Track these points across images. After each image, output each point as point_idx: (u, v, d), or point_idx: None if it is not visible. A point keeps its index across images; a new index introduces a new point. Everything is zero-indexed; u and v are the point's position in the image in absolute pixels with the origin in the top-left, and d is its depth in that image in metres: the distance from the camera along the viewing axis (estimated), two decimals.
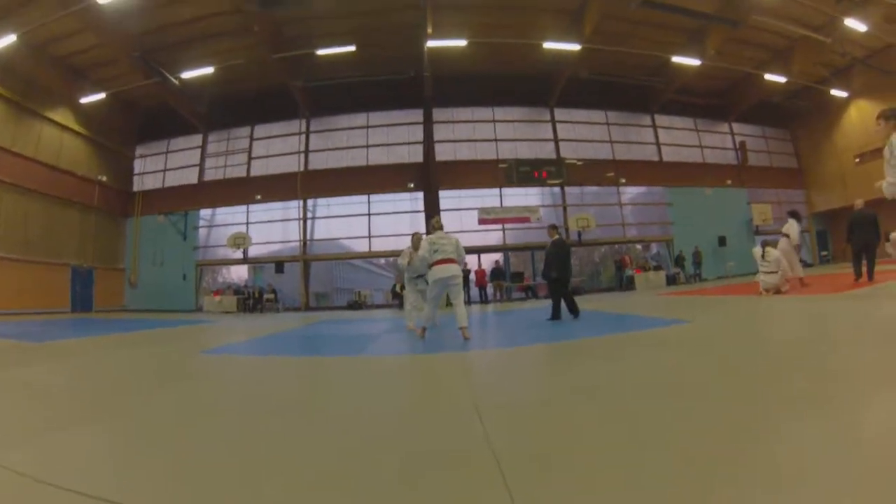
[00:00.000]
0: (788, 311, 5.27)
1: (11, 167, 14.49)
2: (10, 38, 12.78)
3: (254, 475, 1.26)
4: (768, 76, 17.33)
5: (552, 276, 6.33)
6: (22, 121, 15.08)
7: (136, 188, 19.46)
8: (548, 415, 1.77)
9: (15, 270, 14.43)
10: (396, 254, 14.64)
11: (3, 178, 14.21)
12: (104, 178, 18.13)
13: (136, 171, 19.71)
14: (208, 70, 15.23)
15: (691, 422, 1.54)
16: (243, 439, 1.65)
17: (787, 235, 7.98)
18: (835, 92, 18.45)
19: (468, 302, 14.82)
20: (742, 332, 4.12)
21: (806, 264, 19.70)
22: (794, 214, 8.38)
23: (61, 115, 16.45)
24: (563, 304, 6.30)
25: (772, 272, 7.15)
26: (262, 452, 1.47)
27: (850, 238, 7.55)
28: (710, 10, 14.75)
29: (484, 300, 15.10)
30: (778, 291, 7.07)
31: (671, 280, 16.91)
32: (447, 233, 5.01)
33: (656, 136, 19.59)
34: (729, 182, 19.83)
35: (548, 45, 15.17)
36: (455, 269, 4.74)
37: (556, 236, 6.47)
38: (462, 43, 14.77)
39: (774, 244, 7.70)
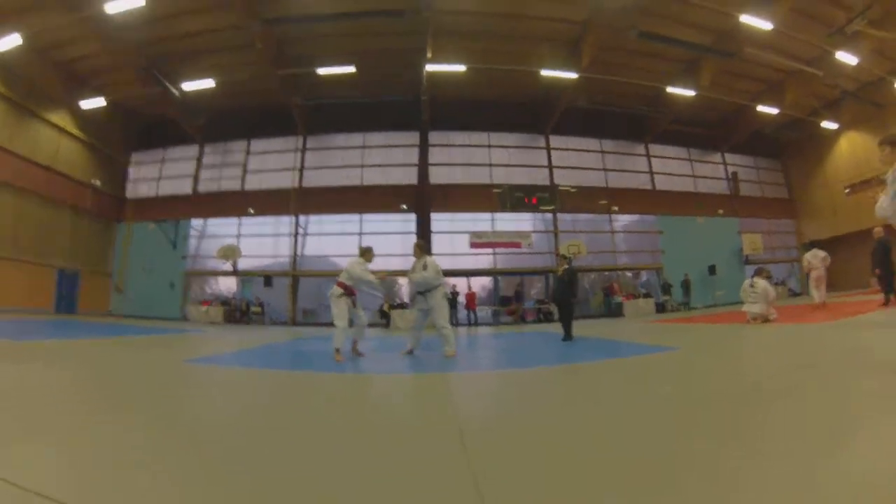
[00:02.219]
0: (775, 338, 5.37)
1: (7, 166, 14.49)
2: (16, 40, 12.91)
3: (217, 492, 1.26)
4: (761, 108, 17.68)
5: (570, 302, 6.87)
6: (21, 121, 15.13)
7: (129, 194, 19.43)
8: (538, 440, 1.76)
9: (2, 268, 14.34)
10: (387, 274, 14.75)
11: None
12: (98, 183, 18.11)
13: (131, 177, 19.70)
14: (209, 83, 15.34)
15: (686, 451, 1.53)
16: (217, 454, 1.62)
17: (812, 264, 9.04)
18: (825, 124, 18.83)
19: (456, 323, 14.89)
20: (730, 359, 4.22)
21: (793, 293, 19.97)
22: (814, 244, 9.61)
23: (60, 118, 16.50)
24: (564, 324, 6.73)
25: (757, 302, 7.34)
26: (234, 468, 1.46)
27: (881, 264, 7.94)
28: (706, 42, 15.12)
29: (473, 322, 15.07)
30: (766, 320, 7.21)
31: (660, 308, 16.99)
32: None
33: (650, 165, 19.85)
34: (720, 211, 20.06)
35: (545, 72, 15.43)
36: None
37: (567, 266, 6.97)
38: (461, 68, 14.99)
39: (767, 273, 8.01)
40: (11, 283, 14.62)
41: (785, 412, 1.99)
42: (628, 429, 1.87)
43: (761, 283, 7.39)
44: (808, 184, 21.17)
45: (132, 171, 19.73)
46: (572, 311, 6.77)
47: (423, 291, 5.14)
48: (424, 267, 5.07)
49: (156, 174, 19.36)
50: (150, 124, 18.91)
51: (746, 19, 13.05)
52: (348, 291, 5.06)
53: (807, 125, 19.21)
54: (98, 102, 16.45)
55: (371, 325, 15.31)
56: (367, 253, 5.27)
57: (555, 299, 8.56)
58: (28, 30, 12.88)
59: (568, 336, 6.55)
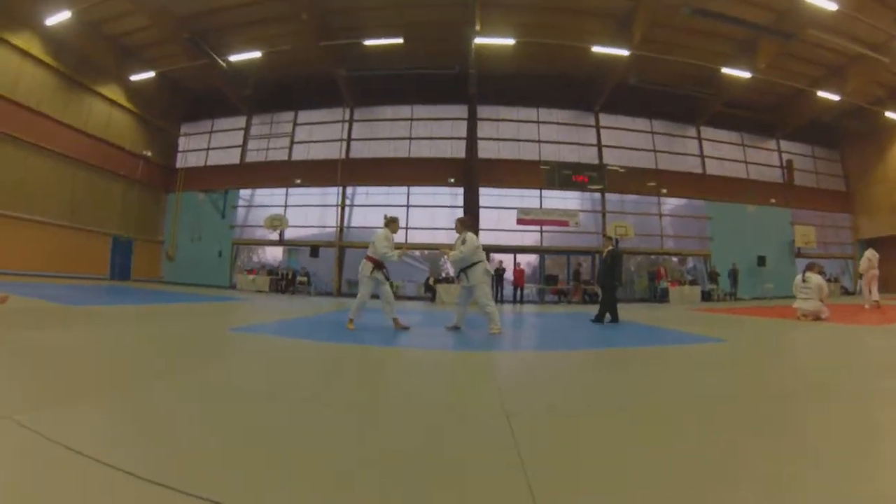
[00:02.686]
0: (830, 337, 5.06)
1: (62, 138, 15.13)
2: (66, 15, 13.36)
3: (259, 467, 1.23)
4: (821, 93, 16.69)
5: (614, 284, 6.71)
6: (73, 94, 15.70)
7: (178, 165, 20.00)
8: (581, 426, 1.71)
9: (60, 236, 15.06)
10: (433, 247, 14.81)
11: (54, 148, 14.84)
12: (149, 154, 18.73)
13: (180, 148, 20.25)
14: (255, 54, 15.53)
15: (734, 447, 1.46)
16: (256, 426, 1.61)
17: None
18: (889, 114, 17.63)
19: (501, 300, 14.82)
20: (779, 355, 4.00)
21: (846, 291, 19.01)
22: (870, 242, 9.00)
23: (111, 91, 17.07)
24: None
25: (809, 298, 6.96)
26: (274, 443, 1.43)
27: None
28: (764, 22, 14.27)
29: (519, 300, 14.96)
30: (817, 318, 6.78)
31: (706, 296, 16.48)
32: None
33: (701, 149, 19.08)
34: (773, 201, 19.18)
35: (596, 49, 14.94)
36: None
37: (611, 247, 6.90)
38: (510, 41, 14.67)
39: (819, 268, 7.52)
40: (70, 251, 15.37)
41: (849, 416, 1.88)
42: (672, 422, 1.78)
43: (814, 278, 7.01)
44: (867, 177, 19.98)
45: (181, 142, 20.28)
46: (615, 295, 6.69)
47: (463, 268, 5.01)
48: (463, 243, 4.94)
49: (204, 145, 19.84)
50: (199, 96, 19.32)
51: None
52: (377, 265, 5.05)
53: (869, 115, 18.04)
54: (147, 75, 16.93)
55: (417, 298, 15.69)
56: (392, 223, 5.18)
57: (598, 281, 8.44)
58: (78, 5, 13.28)
59: (612, 318, 6.46)
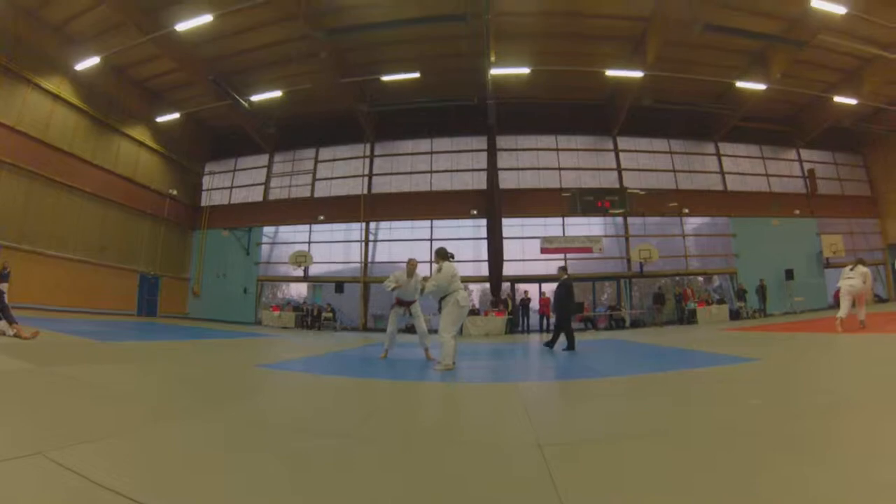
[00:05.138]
0: (868, 350, 4.93)
1: (92, 178, 15.67)
2: (95, 61, 13.92)
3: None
4: (838, 99, 16.51)
5: (563, 313, 7.39)
6: (103, 136, 16.27)
7: (203, 203, 20.47)
8: (616, 454, 1.67)
9: (89, 273, 15.48)
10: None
11: (84, 188, 15.36)
12: (175, 193, 19.24)
13: (205, 186, 20.74)
14: (276, 93, 15.91)
15: (776, 475, 1.39)
16: (288, 462, 1.62)
17: None
18: None
19: (528, 330, 14.76)
20: (816, 371, 3.93)
21: (880, 299, 18.49)
22: None
23: (138, 132, 17.64)
24: (559, 336, 7.34)
25: (853, 279, 7.48)
26: (300, 477, 1.46)
27: None
28: (774, 31, 14.23)
29: (547, 329, 14.88)
30: (860, 324, 7.10)
31: (734, 315, 16.19)
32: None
33: (720, 165, 18.93)
34: (797, 212, 18.87)
35: (610, 72, 15.04)
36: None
37: (564, 276, 7.55)
38: (525, 71, 14.83)
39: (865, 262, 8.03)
40: (98, 287, 15.76)
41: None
42: (708, 447, 1.75)
43: (861, 267, 7.61)
44: (892, 179, 19.54)
45: (206, 181, 20.79)
46: (570, 324, 7.27)
47: (441, 298, 5.08)
48: (439, 271, 5.02)
49: (228, 183, 20.31)
50: (223, 135, 19.86)
51: (817, 4, 12.22)
52: (398, 302, 5.80)
53: (889, 116, 17.78)
54: (172, 116, 17.47)
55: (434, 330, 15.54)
56: (408, 264, 5.83)
57: (553, 310, 9.38)
58: (105, 51, 13.82)
59: (567, 345, 6.92)
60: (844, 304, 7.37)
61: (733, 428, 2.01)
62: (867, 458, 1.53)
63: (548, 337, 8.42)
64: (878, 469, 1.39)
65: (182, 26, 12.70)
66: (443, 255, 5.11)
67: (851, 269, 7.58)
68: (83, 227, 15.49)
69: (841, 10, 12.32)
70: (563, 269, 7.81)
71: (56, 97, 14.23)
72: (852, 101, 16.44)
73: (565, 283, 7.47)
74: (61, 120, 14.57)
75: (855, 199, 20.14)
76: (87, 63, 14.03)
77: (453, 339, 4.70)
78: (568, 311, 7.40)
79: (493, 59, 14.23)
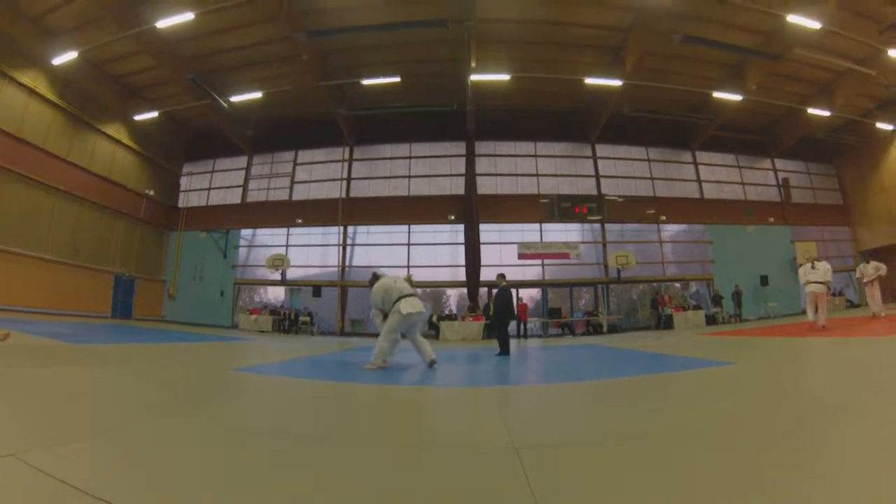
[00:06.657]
0: (838, 353, 5.09)
1: (66, 176, 15.21)
2: (72, 55, 13.56)
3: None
4: (811, 110, 16.99)
5: (503, 318, 7.52)
6: (78, 132, 15.84)
7: (181, 204, 20.11)
8: (593, 457, 1.64)
9: (62, 273, 15.02)
10: (435, 285, 14.83)
11: (59, 186, 14.90)
12: (152, 193, 18.85)
13: (182, 187, 20.40)
14: (256, 94, 15.74)
15: (749, 469, 1.41)
16: (264, 465, 1.58)
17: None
18: (880, 125, 17.91)
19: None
20: (790, 374, 4.01)
21: (851, 304, 18.98)
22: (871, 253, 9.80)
23: (115, 130, 17.23)
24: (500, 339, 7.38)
25: (819, 282, 7.82)
26: (277, 477, 1.43)
27: None
28: (751, 45, 14.61)
29: (523, 335, 14.94)
30: (822, 327, 7.38)
31: (710, 320, 16.45)
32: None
33: (697, 173, 19.29)
34: (772, 219, 19.31)
35: (589, 80, 15.21)
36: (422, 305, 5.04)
37: (504, 283, 7.78)
38: (505, 77, 14.93)
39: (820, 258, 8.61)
40: (72, 288, 15.31)
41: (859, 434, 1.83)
42: (685, 448, 1.74)
43: (822, 264, 7.93)
44: (863, 189, 20.15)
45: (184, 182, 20.44)
46: (506, 330, 7.41)
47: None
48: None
49: (206, 184, 19.99)
50: (201, 135, 19.57)
51: (793, 19, 12.62)
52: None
53: (861, 127, 18.37)
54: (150, 115, 17.14)
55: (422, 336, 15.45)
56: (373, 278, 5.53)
57: (493, 315, 9.52)
58: (84, 45, 13.51)
59: (501, 350, 6.99)
60: (811, 310, 7.66)
61: (711, 431, 2.01)
62: (839, 455, 1.56)
63: (524, 343, 8.45)
64: (848, 466, 1.42)
65: (163, 23, 12.47)
66: (372, 279, 5.22)
67: (813, 267, 7.76)
68: (56, 226, 15.04)
69: (816, 25, 12.71)
70: (503, 275, 7.99)
71: (32, 91, 13.81)
72: (825, 113, 16.93)
73: (505, 290, 7.65)
74: (36, 115, 14.13)
75: (827, 208, 20.71)
76: (65, 57, 13.61)
77: (387, 342, 4.84)
78: (506, 316, 7.57)
79: (473, 64, 14.30)
